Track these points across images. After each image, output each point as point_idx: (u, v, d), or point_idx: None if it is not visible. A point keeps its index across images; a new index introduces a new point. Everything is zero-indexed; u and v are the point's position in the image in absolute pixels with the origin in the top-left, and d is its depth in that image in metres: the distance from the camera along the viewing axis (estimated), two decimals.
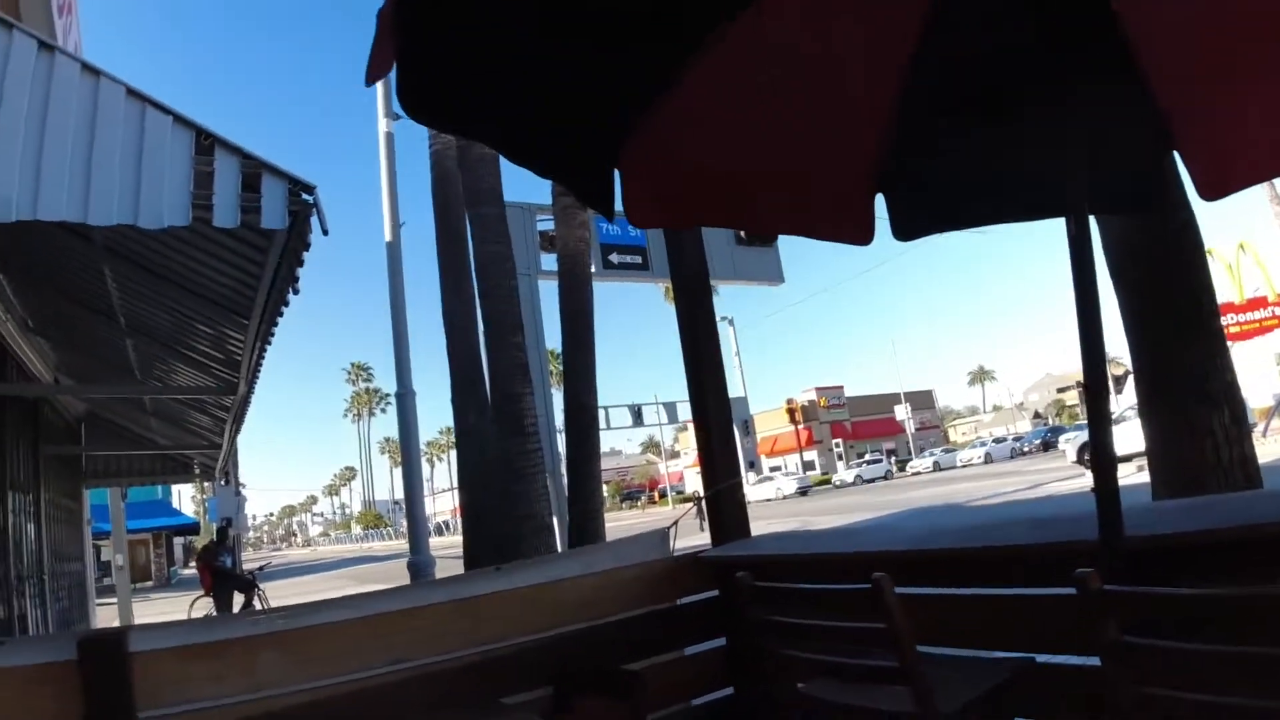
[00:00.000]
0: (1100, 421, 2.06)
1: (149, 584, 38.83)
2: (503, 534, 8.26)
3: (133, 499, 24.72)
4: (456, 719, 2.40)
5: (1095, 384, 2.06)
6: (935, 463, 48.01)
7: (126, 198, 3.49)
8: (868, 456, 52.75)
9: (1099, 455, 2.03)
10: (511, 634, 2.80)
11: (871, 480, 46.40)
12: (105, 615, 16.67)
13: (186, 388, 9.37)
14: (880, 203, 2.76)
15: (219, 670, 2.44)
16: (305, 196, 3.56)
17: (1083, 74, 2.24)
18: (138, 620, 15.66)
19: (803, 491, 44.05)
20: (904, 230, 2.79)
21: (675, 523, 3.28)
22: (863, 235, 2.78)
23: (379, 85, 12.57)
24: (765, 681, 3.12)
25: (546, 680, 2.74)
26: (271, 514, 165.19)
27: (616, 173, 2.38)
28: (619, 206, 2.42)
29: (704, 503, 3.36)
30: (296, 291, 4.27)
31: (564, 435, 9.73)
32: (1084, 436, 26.33)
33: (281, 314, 4.82)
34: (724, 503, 3.30)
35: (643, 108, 2.32)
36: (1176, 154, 2.37)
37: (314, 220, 3.64)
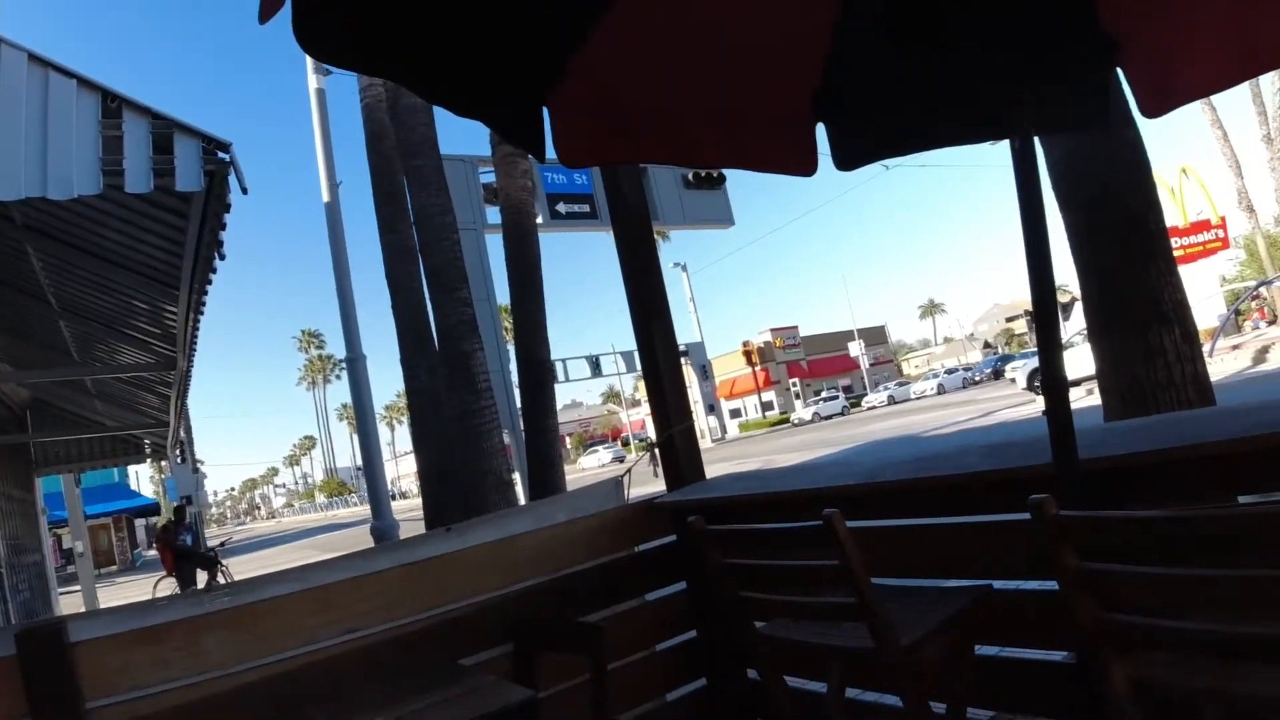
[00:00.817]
0: (1050, 345, 2.02)
1: (114, 568, 38.37)
2: (462, 493, 8.18)
3: (89, 484, 24.26)
4: (411, 685, 2.33)
5: (1044, 305, 2.02)
6: (890, 396, 48.90)
7: (34, 168, 3.29)
8: (824, 394, 53.45)
9: (1050, 379, 1.99)
10: (467, 594, 2.74)
11: (829, 416, 47.63)
12: (70, 603, 16.44)
13: (127, 366, 9.11)
14: (822, 134, 2.68)
15: (163, 654, 2.34)
16: (221, 155, 3.39)
17: None
18: (103, 605, 15.42)
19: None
20: (844, 160, 2.72)
21: (628, 470, 3.23)
22: (805, 165, 2.70)
23: None
24: (726, 624, 3.12)
25: (505, 638, 2.69)
26: (233, 489, 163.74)
27: (545, 110, 2.27)
28: (550, 150, 2.31)
29: (657, 448, 3.31)
30: (223, 256, 4.10)
31: (519, 389, 9.62)
32: (1033, 363, 27.00)
33: (210, 281, 4.64)
34: (678, 447, 3.24)
35: (570, 38, 2.20)
36: (1120, 72, 2.31)
37: (232, 180, 3.47)
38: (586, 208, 19.05)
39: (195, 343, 6.59)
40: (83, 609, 14.41)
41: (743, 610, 2.19)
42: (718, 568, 2.15)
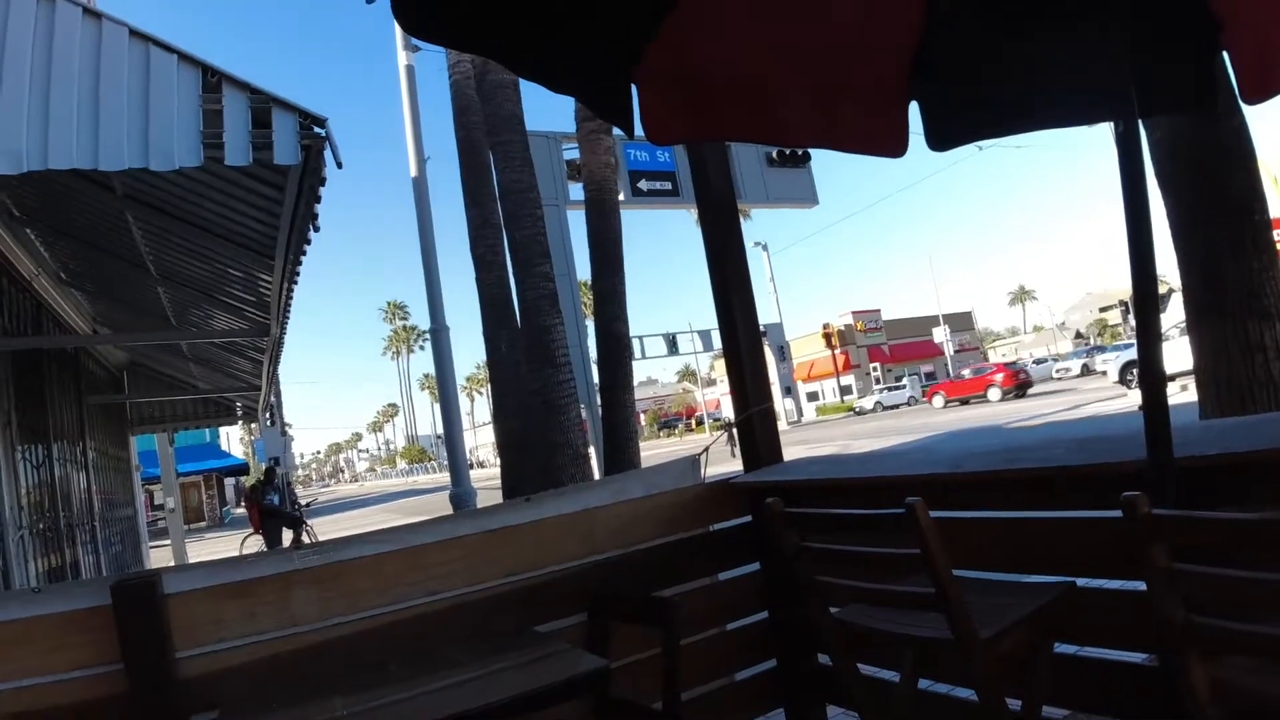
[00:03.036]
0: (1149, 336, 1.95)
1: (203, 524, 40.08)
2: (539, 464, 8.31)
3: (181, 443, 25.31)
4: (489, 647, 2.40)
5: (1144, 295, 1.94)
6: None
7: (136, 141, 3.44)
8: (888, 382, 52.24)
9: (1148, 371, 1.92)
10: (544, 563, 2.80)
11: (894, 407, 45.57)
12: (159, 557, 17.26)
13: (221, 331, 9.47)
14: (914, 113, 2.63)
15: (252, 608, 2.46)
16: (317, 130, 3.49)
17: None
18: (192, 559, 16.18)
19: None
20: (939, 139, 2.65)
21: (706, 449, 3.23)
22: (895, 146, 2.64)
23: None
24: (800, 607, 3.11)
25: (580, 608, 2.74)
26: (319, 452, 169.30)
27: (634, 87, 2.27)
28: (638, 126, 2.31)
29: (735, 429, 3.31)
30: (317, 228, 4.23)
31: (597, 364, 9.71)
32: (1126, 356, 25.97)
33: (305, 252, 4.79)
34: (756, 428, 3.23)
35: (660, 15, 2.20)
36: (1226, 56, 2.20)
37: (327, 154, 3.57)
38: (669, 185, 18.99)
39: (289, 311, 6.81)
40: (172, 562, 15.17)
41: (817, 594, 2.19)
42: (795, 550, 2.15)
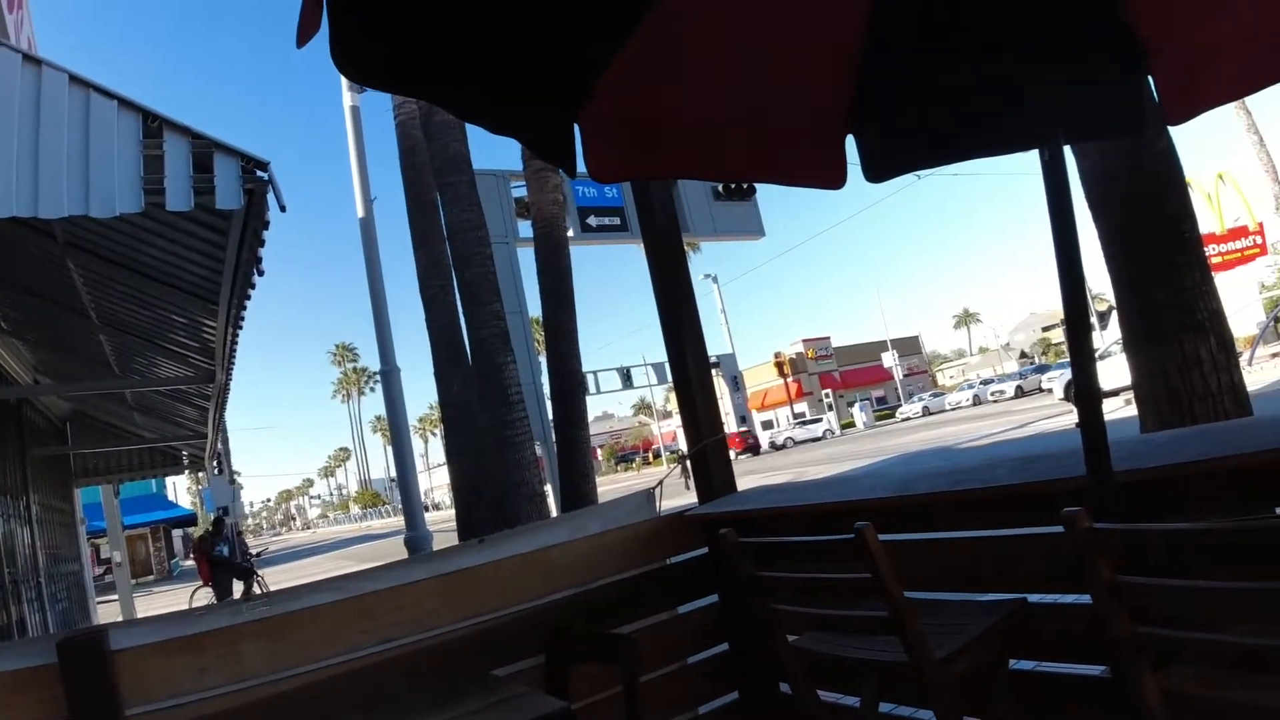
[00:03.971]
0: (1083, 355, 2.01)
1: (151, 578, 38.89)
2: (495, 505, 8.23)
3: (126, 494, 24.61)
4: (445, 694, 2.36)
5: (1076, 315, 2.01)
6: (925, 408, 48.34)
7: (76, 187, 3.38)
8: (840, 409, 52.65)
9: (1083, 389, 1.98)
10: (500, 605, 2.76)
11: (805, 441, 46.03)
12: (107, 612, 16.69)
13: (166, 379, 9.26)
14: (851, 146, 2.69)
15: (203, 662, 2.39)
16: (259, 174, 3.46)
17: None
18: (140, 614, 15.67)
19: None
20: (875, 171, 2.73)
21: (660, 482, 3.24)
22: (834, 179, 2.71)
23: None
24: (758, 637, 3.11)
25: (538, 649, 2.71)
26: (269, 500, 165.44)
27: (576, 127, 2.30)
28: (581, 164, 2.33)
29: (688, 460, 3.32)
30: (261, 272, 4.17)
31: (550, 402, 9.69)
32: (1070, 373, 26.45)
33: (249, 296, 4.72)
34: (709, 459, 3.25)
35: (599, 57, 2.23)
36: (1150, 80, 2.30)
37: (270, 198, 3.54)
38: (617, 220, 19.14)
39: (234, 357, 6.70)
40: (120, 618, 14.67)
41: (775, 623, 2.19)
42: (750, 580, 2.16)
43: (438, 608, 2.68)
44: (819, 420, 49.36)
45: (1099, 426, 1.90)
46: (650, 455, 67.64)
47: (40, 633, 9.19)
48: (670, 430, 68.72)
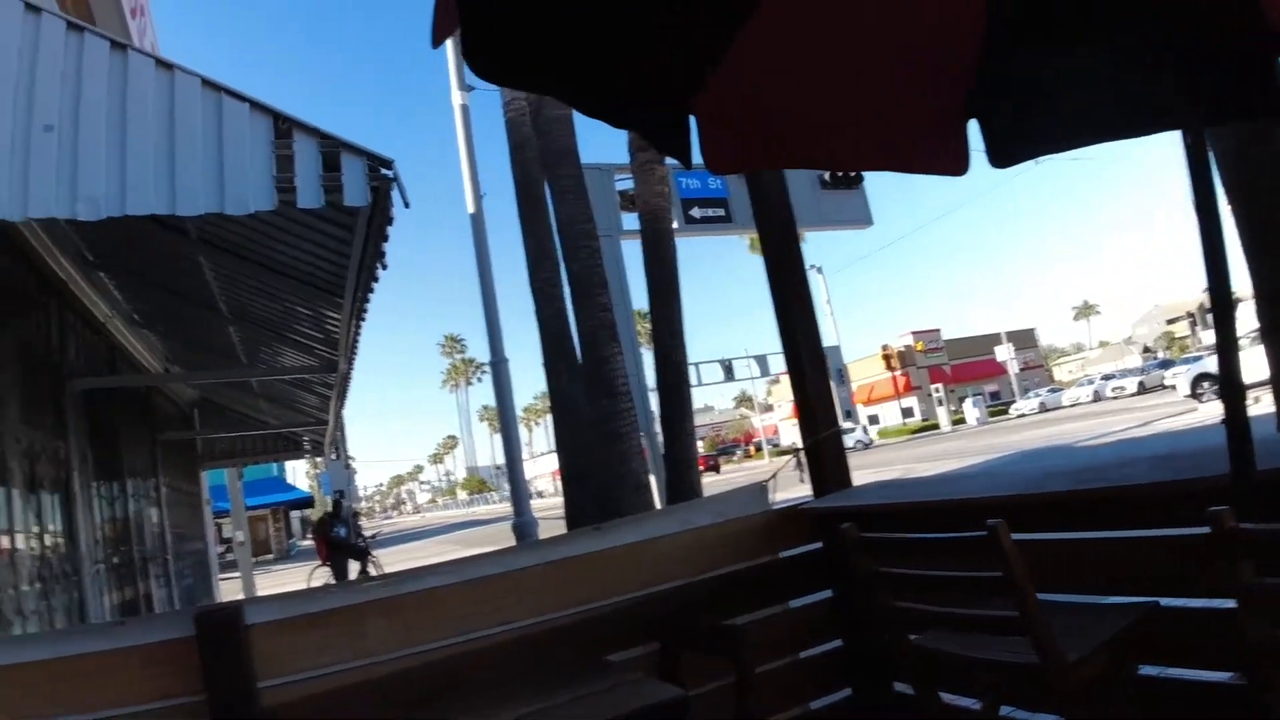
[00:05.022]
0: (1228, 347, 1.90)
1: (270, 557, 40.82)
2: (601, 494, 8.33)
3: (249, 477, 25.90)
4: (563, 677, 2.40)
5: (1222, 305, 1.90)
6: (1041, 403, 46.51)
7: (211, 186, 3.56)
8: (950, 403, 50.87)
9: (1228, 384, 1.87)
10: (613, 593, 2.80)
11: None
12: (229, 589, 17.59)
13: (290, 368, 9.70)
14: (974, 130, 2.60)
15: (329, 638, 2.50)
16: (384, 172, 3.58)
17: None
18: (260, 591, 16.49)
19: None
20: (1001, 155, 2.62)
21: (774, 475, 3.21)
22: (956, 165, 2.62)
23: (450, 58, 12.65)
24: (874, 633, 3.06)
25: (650, 637, 2.73)
26: (381, 484, 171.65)
27: (693, 119, 2.30)
28: (697, 156, 2.34)
29: (802, 454, 3.29)
30: (385, 266, 4.33)
31: (655, 393, 9.72)
32: (1196, 369, 25.17)
33: (372, 289, 4.90)
34: (823, 453, 3.21)
35: (716, 49, 2.22)
36: None
37: (395, 194, 3.66)
38: (721, 211, 19.05)
39: (356, 347, 6.96)
40: (241, 595, 15.47)
41: (895, 620, 2.15)
42: (870, 576, 2.12)
43: (552, 593, 2.74)
44: (850, 429, 45.01)
45: (1243, 422, 1.79)
46: (751, 448, 67.25)
47: (166, 607, 9.78)
48: (772, 424, 68.26)
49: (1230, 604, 1.92)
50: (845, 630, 3.13)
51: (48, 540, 6.18)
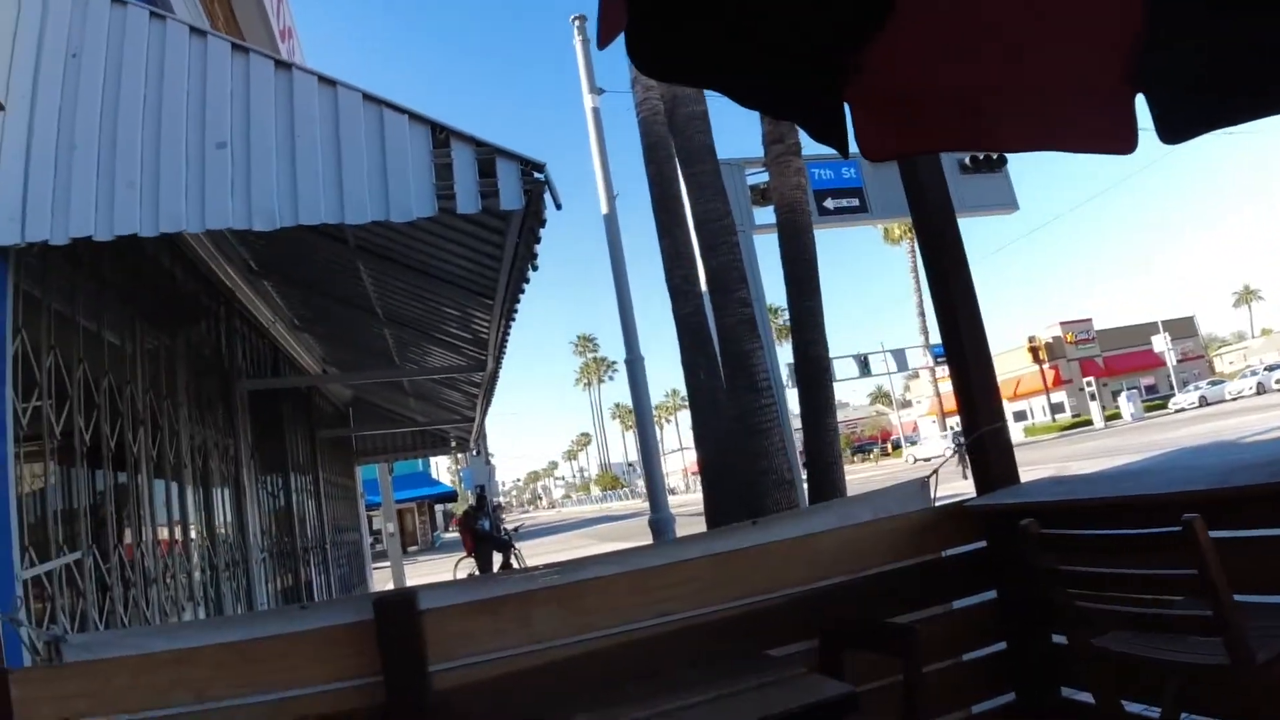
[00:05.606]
0: None
1: (415, 548, 42.60)
2: (742, 490, 8.32)
3: (396, 472, 27.11)
4: (725, 670, 2.42)
5: None
6: (1201, 397, 43.39)
7: (376, 196, 3.75)
8: (1103, 397, 47.89)
9: None
10: (772, 587, 2.79)
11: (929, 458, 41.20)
12: (380, 578, 18.48)
13: (440, 368, 10.11)
14: (1141, 105, 2.47)
15: (499, 625, 2.60)
16: (537, 175, 3.69)
17: None
18: (409, 581, 17.24)
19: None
20: (1172, 131, 2.46)
21: (935, 471, 3.13)
22: (1124, 143, 2.48)
23: (580, 63, 12.90)
24: (1042, 636, 2.94)
25: (809, 633, 2.72)
26: (518, 480, 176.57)
27: (846, 107, 2.27)
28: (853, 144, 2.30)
29: (965, 448, 3.19)
30: (535, 268, 4.46)
31: (796, 388, 9.62)
32: None
33: (523, 290, 5.06)
34: (988, 448, 3.10)
35: (864, 31, 2.19)
36: None
37: (546, 197, 3.77)
38: (856, 201, 18.60)
39: (504, 347, 7.20)
40: (390, 584, 16.21)
41: (1076, 621, 2.07)
42: (1051, 573, 2.04)
43: (712, 585, 2.75)
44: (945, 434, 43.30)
45: None
46: (889, 446, 65.52)
47: (324, 595, 10.37)
48: (910, 420, 66.26)
49: None
50: (1010, 633, 3.02)
51: (219, 530, 6.68)
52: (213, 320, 7.30)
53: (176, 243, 5.94)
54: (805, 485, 9.70)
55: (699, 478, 11.76)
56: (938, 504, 3.10)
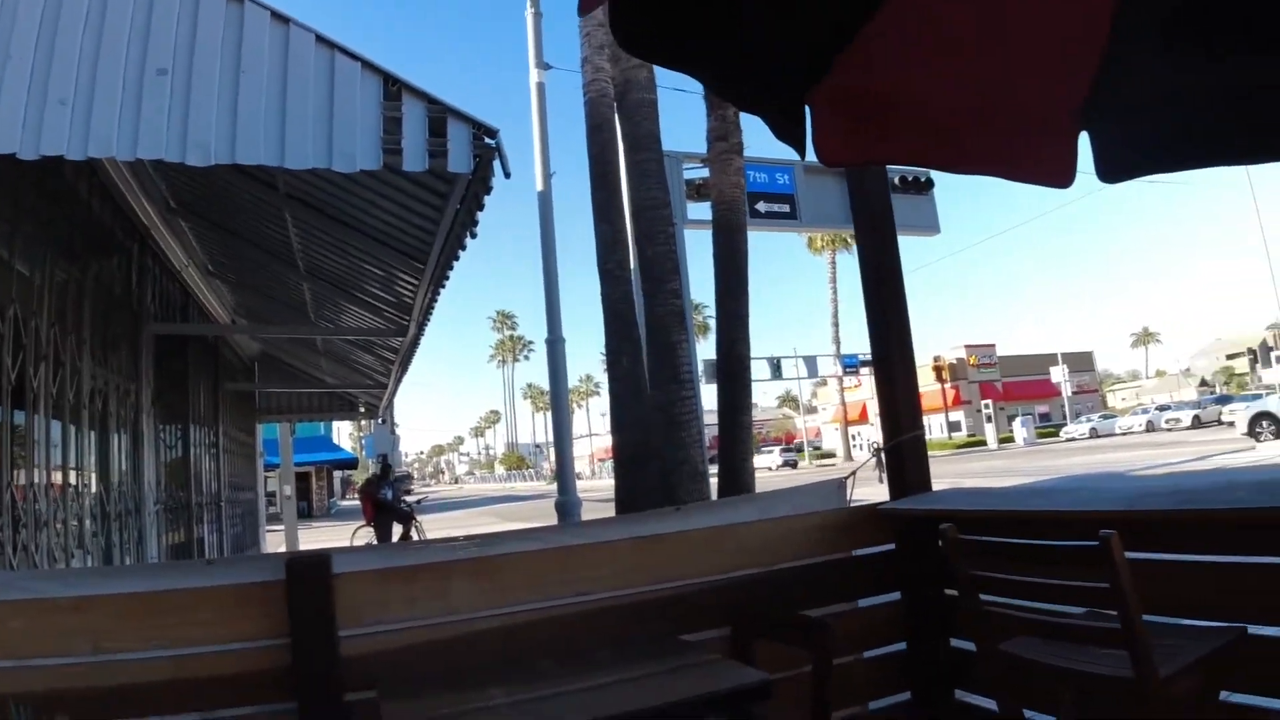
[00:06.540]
0: None
1: (310, 515, 41.54)
2: (656, 478, 8.37)
3: (298, 434, 26.37)
4: (641, 652, 2.43)
5: None
6: (1093, 429, 45.57)
7: (320, 142, 3.62)
8: (999, 421, 50.09)
9: None
10: (691, 574, 2.82)
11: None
12: (274, 541, 17.96)
13: (356, 329, 9.86)
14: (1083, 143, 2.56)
15: (414, 593, 2.56)
16: (489, 141, 3.63)
17: None
18: (303, 547, 16.83)
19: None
20: (1110, 171, 2.57)
21: (853, 473, 3.21)
22: (1063, 178, 2.58)
23: (529, 38, 12.72)
24: (941, 639, 3.05)
25: (723, 620, 2.76)
26: (422, 452, 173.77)
27: (807, 109, 2.30)
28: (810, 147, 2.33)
29: (883, 454, 3.28)
30: (475, 235, 4.39)
31: (716, 384, 9.72)
32: (1257, 406, 24.59)
33: (458, 257, 4.97)
34: (905, 455, 3.20)
35: (836, 38, 2.22)
36: None
37: (496, 164, 3.71)
38: (787, 208, 18.83)
39: (429, 314, 7.07)
40: (284, 548, 15.80)
41: (985, 625, 2.15)
42: (967, 578, 2.12)
43: (632, 568, 2.77)
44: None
45: None
46: (794, 449, 66.92)
47: (215, 553, 10.04)
48: (815, 426, 67.79)
49: None
50: (911, 634, 3.12)
51: (113, 478, 6.39)
52: (125, 258, 6.95)
53: (96, 171, 5.65)
54: (715, 479, 9.82)
55: (611, 464, 11.78)
56: (854, 505, 3.17)
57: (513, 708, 2.07)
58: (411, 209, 4.82)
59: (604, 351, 9.75)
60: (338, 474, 54.28)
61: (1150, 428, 42.79)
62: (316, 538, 21.82)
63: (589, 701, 2.08)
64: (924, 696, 3.11)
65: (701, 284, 28.53)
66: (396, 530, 16.23)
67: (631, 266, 9.53)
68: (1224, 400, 42.45)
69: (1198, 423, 39.72)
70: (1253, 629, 2.14)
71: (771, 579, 2.92)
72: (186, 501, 9.04)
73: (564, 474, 12.13)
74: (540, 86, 12.69)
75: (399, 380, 11.93)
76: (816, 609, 2.96)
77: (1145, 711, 1.83)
